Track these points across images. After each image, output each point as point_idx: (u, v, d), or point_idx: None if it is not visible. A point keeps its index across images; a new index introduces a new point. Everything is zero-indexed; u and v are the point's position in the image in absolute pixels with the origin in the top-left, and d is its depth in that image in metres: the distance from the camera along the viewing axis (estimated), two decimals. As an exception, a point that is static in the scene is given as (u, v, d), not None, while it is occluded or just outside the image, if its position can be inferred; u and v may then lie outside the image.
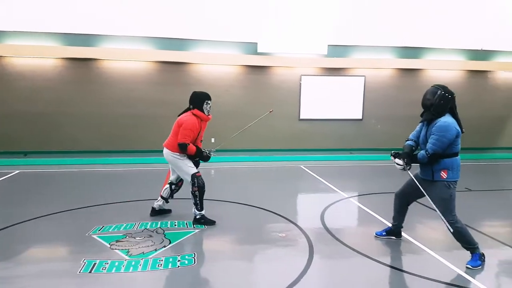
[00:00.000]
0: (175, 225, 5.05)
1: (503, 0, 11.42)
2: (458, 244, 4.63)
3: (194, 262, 3.97)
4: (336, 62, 10.81)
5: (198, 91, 5.12)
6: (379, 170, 9.31)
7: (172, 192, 5.37)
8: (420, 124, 4.28)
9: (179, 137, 4.84)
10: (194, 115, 4.95)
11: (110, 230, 4.80)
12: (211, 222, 5.08)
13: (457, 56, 11.48)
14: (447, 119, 3.86)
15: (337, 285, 3.67)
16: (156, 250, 4.23)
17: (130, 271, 3.76)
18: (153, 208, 5.42)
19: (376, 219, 5.49)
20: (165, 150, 5.04)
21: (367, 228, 5.21)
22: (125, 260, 3.97)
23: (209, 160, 5.22)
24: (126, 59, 9.97)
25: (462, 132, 3.93)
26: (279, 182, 7.92)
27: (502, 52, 11.68)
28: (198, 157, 5.02)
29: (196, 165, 5.09)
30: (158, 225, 5.00)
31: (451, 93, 3.92)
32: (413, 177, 4.19)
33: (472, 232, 4.95)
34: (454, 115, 3.95)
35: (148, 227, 4.94)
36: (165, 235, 4.67)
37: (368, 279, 3.75)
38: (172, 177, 5.36)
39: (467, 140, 11.76)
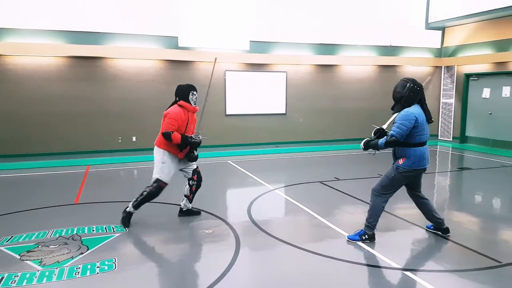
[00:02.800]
0: (93, 230, 4.75)
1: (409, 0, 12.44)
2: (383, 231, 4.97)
3: (115, 267, 3.76)
4: (258, 58, 10.97)
5: (183, 84, 5.08)
6: (303, 161, 9.64)
7: (190, 188, 5.13)
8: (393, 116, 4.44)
9: (163, 126, 4.70)
10: (180, 106, 4.87)
11: (20, 240, 4.38)
12: (127, 225, 4.81)
13: (369, 52, 12.27)
14: (409, 109, 4.06)
15: (263, 275, 3.72)
16: (72, 257, 3.94)
17: (44, 282, 3.46)
18: (180, 208, 5.26)
19: (301, 208, 5.66)
20: (155, 148, 4.90)
21: (292, 218, 5.37)
22: (38, 271, 3.65)
23: (199, 146, 4.97)
24: (35, 54, 9.16)
25: (430, 122, 4.17)
26: (206, 178, 7.76)
27: (408, 48, 12.72)
28: (186, 144, 4.76)
29: (193, 159, 4.90)
30: (74, 232, 4.66)
31: (420, 85, 4.13)
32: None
33: (386, 215, 5.35)
34: (422, 106, 4.17)
35: (63, 234, 4.59)
36: (82, 241, 4.37)
37: (293, 266, 3.85)
38: (185, 174, 5.14)
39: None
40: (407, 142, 4.11)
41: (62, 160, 9.20)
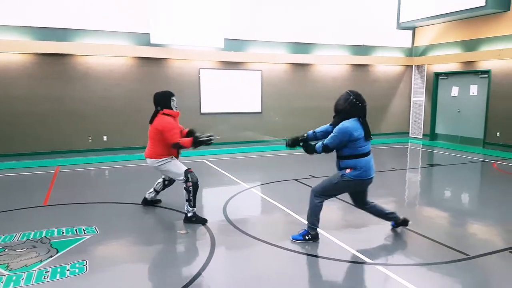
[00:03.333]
0: (63, 232, 4.61)
1: (381, 0, 12.67)
2: (346, 223, 5.06)
3: (86, 270, 3.66)
4: (233, 56, 10.92)
5: (160, 92, 5.05)
6: (279, 159, 9.69)
7: (164, 186, 5.46)
8: (329, 125, 4.47)
9: (169, 140, 4.77)
10: (166, 114, 4.88)
11: (-16, 245, 4.21)
12: (203, 221, 4.88)
13: (342, 51, 12.44)
14: (348, 123, 4.03)
15: (239, 274, 3.71)
16: (41, 261, 3.81)
17: (11, 286, 3.33)
18: (145, 198, 5.55)
19: (276, 206, 5.68)
20: (149, 161, 4.98)
21: (267, 216, 5.38)
22: (5, 275, 3.51)
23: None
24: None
25: (368, 139, 4.10)
26: (180, 178, 7.75)
27: (380, 47, 12.97)
28: (196, 144, 4.86)
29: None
30: (43, 234, 4.51)
31: (362, 102, 4.11)
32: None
33: (358, 211, 5.43)
34: (362, 123, 4.10)
35: (31, 237, 4.43)
36: (51, 244, 4.24)
37: (269, 264, 3.86)
38: (162, 178, 5.39)
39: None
40: (351, 153, 4.09)
41: (30, 161, 8.90)
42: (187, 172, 4.89)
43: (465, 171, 8.60)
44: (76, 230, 4.67)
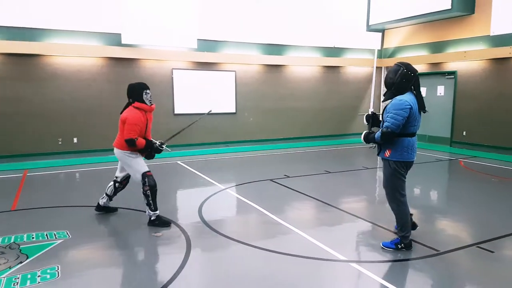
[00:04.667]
0: (33, 237, 4.47)
1: (351, 3, 12.92)
2: (320, 221, 5.13)
3: (58, 276, 3.57)
4: (206, 57, 10.88)
5: (133, 83, 4.88)
6: (253, 160, 9.73)
7: (116, 190, 5.20)
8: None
9: (125, 133, 4.66)
10: (136, 108, 4.73)
11: None
12: (166, 224, 4.82)
13: (314, 53, 12.61)
14: (402, 97, 3.73)
15: (215, 275, 3.71)
16: (10, 267, 3.69)
17: (-23, 296, 3.22)
18: (98, 204, 5.29)
19: (252, 206, 5.71)
20: (115, 150, 4.88)
21: (243, 216, 5.40)
22: (-29, 284, 3.39)
23: (159, 154, 5.02)
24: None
25: (424, 111, 3.84)
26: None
27: (351, 49, 13.24)
28: (148, 150, 4.84)
29: (150, 157, 4.92)
30: (12, 240, 4.36)
31: (414, 71, 3.78)
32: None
33: (332, 210, 5.54)
34: (416, 93, 3.81)
35: (-1, 243, 4.29)
36: (20, 250, 4.10)
37: (245, 265, 3.88)
38: (118, 174, 5.16)
39: (326, 128, 13.16)
40: (400, 132, 3.80)
41: (-4, 164, 8.57)
42: (144, 175, 4.76)
43: (433, 169, 8.90)
44: (46, 235, 4.54)
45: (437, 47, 11.84)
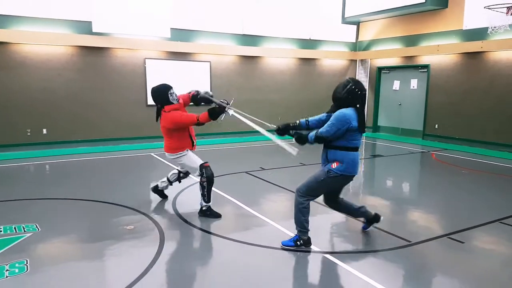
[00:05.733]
0: (1, 231, 4.30)
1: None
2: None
3: (27, 270, 3.44)
4: (180, 46, 10.68)
5: (156, 87, 4.82)
6: (229, 152, 9.66)
7: (179, 178, 5.40)
8: (325, 114, 4.18)
9: (188, 124, 4.78)
10: (169, 111, 4.72)
11: None
12: (217, 215, 4.87)
13: (290, 45, 12.58)
14: (346, 111, 3.75)
15: (189, 268, 3.65)
16: (-26, 263, 3.53)
17: None
18: (156, 185, 5.46)
19: (227, 199, 5.66)
20: (167, 154, 4.99)
21: (218, 209, 5.32)
22: None
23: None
24: None
25: (361, 131, 3.83)
26: (126, 172, 7.50)
27: (327, 42, 13.28)
28: (214, 115, 4.75)
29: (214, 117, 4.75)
30: (-25, 235, 4.18)
31: (362, 89, 3.83)
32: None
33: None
34: (359, 112, 3.81)
35: (-39, 238, 4.09)
36: (-14, 244, 3.94)
37: (219, 257, 3.85)
38: (180, 168, 5.32)
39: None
40: (342, 145, 3.82)
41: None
42: (202, 166, 4.84)
43: (406, 161, 9.08)
44: (15, 228, 4.37)
45: (411, 40, 12.02)
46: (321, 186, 3.95)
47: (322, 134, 3.82)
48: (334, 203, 4.31)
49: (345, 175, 3.89)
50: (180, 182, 5.50)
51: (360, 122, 3.79)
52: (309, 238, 4.01)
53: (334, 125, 3.74)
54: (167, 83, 4.91)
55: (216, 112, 4.74)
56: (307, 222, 3.96)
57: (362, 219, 4.52)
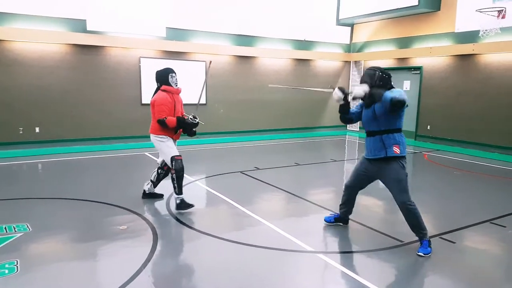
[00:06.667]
0: (-10, 231, 4.27)
1: (320, -4, 13.01)
2: (289, 213, 5.16)
3: (17, 270, 3.42)
4: (176, 46, 10.65)
5: (159, 69, 5.13)
6: (224, 152, 9.66)
7: (159, 176, 5.44)
8: (358, 105, 4.23)
9: (156, 115, 4.91)
10: (164, 91, 4.97)
11: None
12: (189, 206, 4.96)
13: (285, 46, 12.61)
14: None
15: (182, 268, 3.66)
16: (-36, 263, 3.50)
17: None
18: (144, 191, 5.53)
19: (221, 199, 5.66)
20: (151, 136, 5.08)
21: (213, 209, 5.35)
22: None
23: (195, 129, 5.14)
24: None
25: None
26: (120, 172, 7.47)
27: (321, 43, 13.33)
28: (182, 126, 4.97)
29: (191, 133, 5.10)
30: (-34, 234, 4.15)
31: (388, 74, 3.89)
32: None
33: (300, 201, 5.59)
34: None
35: (-49, 237, 4.05)
36: (-24, 244, 3.90)
37: (213, 257, 3.84)
38: (158, 160, 5.39)
39: (295, 120, 13.24)
40: (398, 127, 3.86)
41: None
42: (173, 158, 4.92)
43: (398, 161, 9.12)
44: (5, 228, 4.33)
45: (404, 42, 12.11)
46: (406, 177, 3.91)
47: (399, 97, 3.56)
48: (352, 193, 4.43)
49: (405, 158, 3.93)
50: (159, 181, 5.50)
51: None
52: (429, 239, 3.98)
53: (403, 95, 3.61)
54: (171, 68, 5.16)
55: (187, 123, 5.01)
56: (421, 221, 3.93)
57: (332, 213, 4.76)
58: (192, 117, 5.10)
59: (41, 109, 9.38)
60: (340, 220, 4.64)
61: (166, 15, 10.28)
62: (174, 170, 4.91)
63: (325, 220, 4.69)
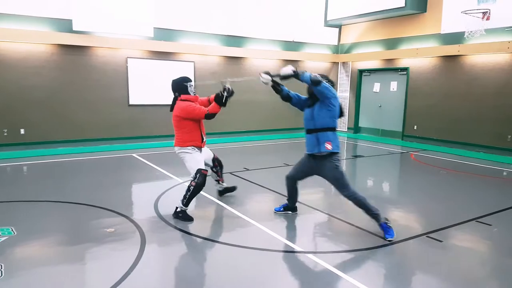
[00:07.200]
0: (-26, 235, 4.18)
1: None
2: (278, 214, 5.16)
3: (1, 275, 3.35)
4: (163, 46, 10.59)
5: (176, 79, 5.04)
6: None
7: (217, 173, 5.55)
8: (304, 98, 4.64)
9: (198, 116, 4.80)
10: (183, 100, 4.89)
11: None
12: (189, 219, 4.78)
13: (274, 46, 12.64)
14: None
15: (171, 271, 3.63)
16: None
17: None
18: (218, 191, 5.71)
19: (211, 200, 5.64)
20: (176, 148, 4.99)
21: (202, 210, 5.31)
22: None
23: (228, 96, 4.93)
24: None
25: (341, 115, 4.31)
26: (107, 174, 7.38)
27: (309, 44, 13.39)
28: (221, 103, 4.84)
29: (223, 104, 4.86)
30: None
31: (331, 82, 4.28)
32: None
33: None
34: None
35: None
36: (-41, 249, 3.82)
37: (203, 259, 3.83)
38: (204, 164, 5.13)
39: (284, 121, 13.27)
40: (331, 126, 4.24)
41: None
42: (199, 171, 4.82)
43: (386, 161, 9.23)
44: (-11, 233, 4.25)
45: (391, 43, 12.23)
46: (344, 174, 4.31)
47: (322, 83, 4.03)
48: (295, 184, 4.84)
49: (339, 154, 4.33)
50: (221, 176, 5.63)
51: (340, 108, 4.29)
52: (385, 218, 4.33)
53: (329, 89, 4.10)
54: (188, 77, 5.15)
55: (220, 97, 4.89)
56: (370, 205, 4.25)
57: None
58: (222, 90, 4.93)
59: (26, 110, 9.23)
60: (288, 209, 5.05)
61: (153, 15, 10.20)
62: (195, 183, 4.75)
63: (275, 210, 5.07)
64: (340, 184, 4.28)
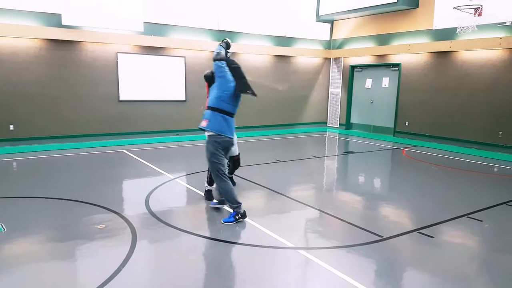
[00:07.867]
0: (-40, 232, 4.11)
1: (300, -7, 13.01)
2: (270, 210, 5.15)
3: (-11, 273, 3.30)
4: (154, 41, 10.48)
5: (208, 72, 5.77)
6: (202, 149, 9.53)
7: (231, 171, 5.87)
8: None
9: None
10: None
11: None
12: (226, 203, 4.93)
13: (266, 42, 12.58)
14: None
15: (162, 267, 3.59)
16: None
17: None
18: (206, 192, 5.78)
19: (201, 196, 5.61)
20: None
21: (193, 207, 5.28)
22: None
23: None
24: None
25: (248, 93, 4.76)
26: (97, 170, 7.30)
27: (301, 39, 13.35)
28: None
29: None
30: None
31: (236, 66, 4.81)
32: None
33: (281, 198, 5.59)
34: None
35: None
36: None
37: (194, 254, 3.80)
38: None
39: (276, 117, 13.24)
40: (220, 108, 4.77)
41: None
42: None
43: (377, 157, 9.26)
44: (-25, 230, 4.17)
45: (383, 39, 12.24)
46: (214, 155, 4.92)
47: (215, 56, 4.85)
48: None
49: (217, 134, 4.79)
50: (232, 173, 5.98)
51: (247, 87, 4.78)
52: (244, 211, 4.59)
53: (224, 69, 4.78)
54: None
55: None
56: (233, 196, 4.56)
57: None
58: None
59: (15, 106, 9.08)
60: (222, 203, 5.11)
61: (143, 10, 10.07)
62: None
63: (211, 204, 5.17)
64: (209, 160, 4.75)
